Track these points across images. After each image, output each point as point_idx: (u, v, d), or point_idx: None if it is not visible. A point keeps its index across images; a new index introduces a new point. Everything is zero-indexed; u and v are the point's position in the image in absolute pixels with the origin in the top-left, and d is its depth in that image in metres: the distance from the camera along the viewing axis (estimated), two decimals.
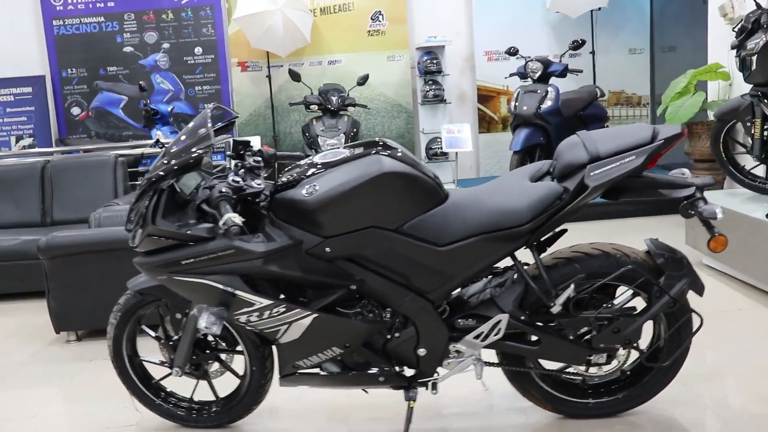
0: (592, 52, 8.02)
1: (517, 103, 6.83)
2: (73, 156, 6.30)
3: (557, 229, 2.72)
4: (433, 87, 8.02)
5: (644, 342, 2.77)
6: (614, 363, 2.70)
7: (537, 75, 6.85)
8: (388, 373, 2.65)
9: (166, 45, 8.20)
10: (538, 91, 6.74)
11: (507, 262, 2.60)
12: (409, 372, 2.69)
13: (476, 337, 2.58)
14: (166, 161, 2.56)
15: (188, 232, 2.50)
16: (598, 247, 2.61)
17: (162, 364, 2.95)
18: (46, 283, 4.17)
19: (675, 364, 2.70)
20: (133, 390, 3.03)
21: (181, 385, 3.02)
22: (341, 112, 6.97)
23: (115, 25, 8.15)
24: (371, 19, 8.19)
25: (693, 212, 2.42)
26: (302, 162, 2.65)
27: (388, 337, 2.62)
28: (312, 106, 6.98)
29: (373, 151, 2.51)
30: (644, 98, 8.21)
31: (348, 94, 7.13)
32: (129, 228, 2.61)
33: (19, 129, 8.12)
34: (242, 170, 2.60)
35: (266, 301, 2.49)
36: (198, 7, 8.14)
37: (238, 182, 2.49)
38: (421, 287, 2.53)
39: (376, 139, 2.62)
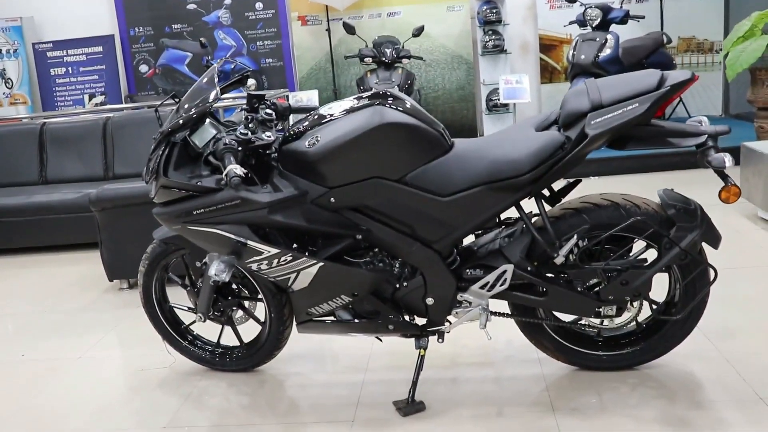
0: None
1: (575, 52, 6.68)
2: (132, 112, 6.50)
3: (571, 180, 2.70)
4: (493, 37, 7.89)
5: (662, 295, 2.73)
6: (626, 315, 2.66)
7: (596, 22, 6.67)
8: (397, 321, 2.69)
9: (228, 1, 8.30)
10: (597, 39, 6.56)
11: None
12: (420, 321, 2.73)
13: (483, 287, 2.59)
14: (176, 116, 2.65)
15: (198, 183, 2.58)
16: (608, 198, 2.56)
17: (190, 310, 3.08)
18: (99, 234, 4.38)
19: (690, 318, 2.64)
20: (163, 334, 3.19)
21: (210, 330, 3.16)
22: (396, 65, 6.94)
23: None
24: None
25: (704, 161, 2.34)
26: (310, 114, 2.68)
27: (397, 286, 2.65)
28: (366, 59, 6.97)
29: (376, 103, 2.51)
30: (717, 44, 7.82)
31: (403, 47, 7.08)
32: (146, 180, 2.71)
33: (91, 87, 8.43)
34: (252, 123, 2.65)
35: (274, 250, 2.56)
36: None
37: (246, 134, 2.55)
38: (426, 237, 2.54)
39: (381, 90, 2.62)
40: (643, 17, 6.90)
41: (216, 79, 2.68)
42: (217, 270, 2.58)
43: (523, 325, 2.76)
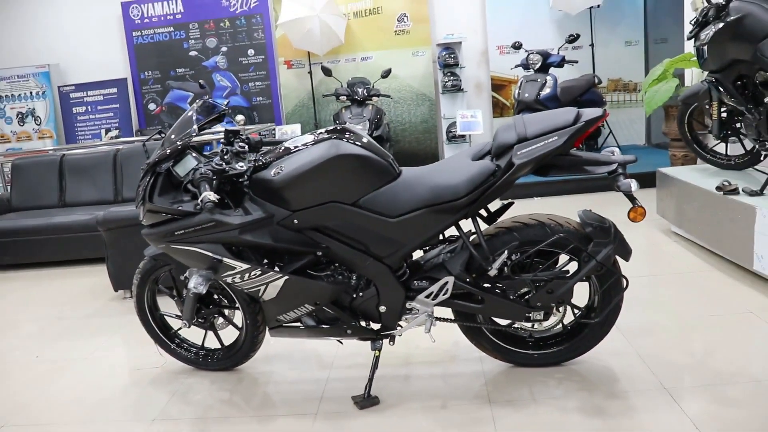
0: (592, 45, 7.73)
1: (519, 91, 6.68)
2: (138, 144, 6.41)
3: (505, 202, 2.67)
4: (452, 78, 7.90)
5: (583, 301, 2.71)
6: (553, 319, 2.63)
7: (537, 66, 6.69)
8: (354, 326, 2.65)
9: (224, 48, 8.26)
10: (538, 80, 6.58)
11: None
12: (375, 326, 2.69)
13: (428, 296, 2.55)
14: (162, 149, 2.61)
15: (179, 207, 2.53)
16: (536, 218, 2.53)
17: (177, 317, 3.02)
18: (105, 251, 4.30)
19: (607, 321, 2.62)
20: (155, 338, 3.12)
21: (195, 334, 3.10)
22: (367, 102, 6.92)
23: (182, 34, 8.25)
24: (398, 20, 8.07)
25: (615, 186, 2.33)
26: (278, 146, 2.65)
27: (354, 296, 2.61)
28: (341, 97, 6.95)
29: (333, 137, 2.48)
30: (640, 84, 7.87)
31: (373, 86, 7.08)
32: (136, 205, 2.66)
33: (107, 123, 8.34)
34: (227, 155, 2.61)
35: (245, 266, 2.51)
36: (250, 15, 8.16)
37: (221, 165, 2.51)
38: (378, 253, 2.51)
39: (338, 126, 2.59)
40: (577, 62, 6.95)
41: (193, 118, 2.64)
42: (195, 283, 2.53)
43: (464, 328, 2.72)
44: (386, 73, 7.12)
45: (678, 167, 4.68)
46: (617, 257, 2.53)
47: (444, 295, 2.53)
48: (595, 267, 2.44)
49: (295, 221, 2.48)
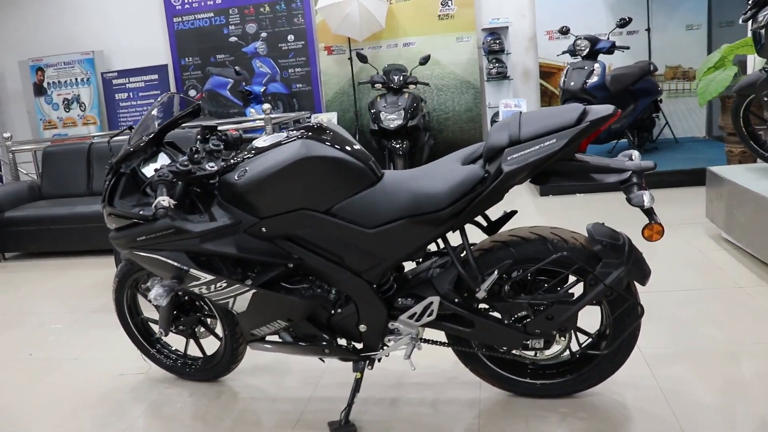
0: (648, 29, 7.12)
1: (565, 79, 6.21)
2: (177, 131, 6.27)
3: (508, 211, 2.32)
4: (497, 65, 7.46)
5: (596, 325, 2.35)
6: (556, 347, 2.27)
7: (585, 52, 6.19)
8: (332, 346, 2.36)
9: (264, 34, 8.05)
10: (585, 68, 6.08)
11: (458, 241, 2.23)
12: (359, 345, 2.40)
13: (411, 317, 2.23)
14: (126, 147, 2.38)
15: (141, 212, 2.30)
16: (537, 232, 2.17)
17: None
18: None
19: (621, 352, 2.24)
20: (135, 343, 2.92)
21: (180, 341, 2.89)
22: (403, 90, 6.58)
23: (222, 19, 8.08)
24: (441, 4, 7.65)
25: (626, 198, 1.95)
26: (248, 146, 2.37)
27: (332, 312, 2.32)
28: (377, 85, 6.63)
29: (304, 136, 2.18)
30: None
31: (411, 74, 6.72)
32: (101, 207, 2.45)
33: (149, 108, 8.27)
34: (197, 154, 2.35)
35: (209, 276, 2.26)
36: (290, 0, 7.91)
37: (186, 165, 2.26)
38: (355, 267, 2.21)
39: (312, 122, 2.29)
40: (628, 48, 6.40)
41: (154, 114, 2.40)
42: (156, 294, 2.30)
43: (459, 352, 2.39)
44: (425, 60, 6.75)
45: (732, 166, 4.16)
46: (632, 281, 2.14)
47: (429, 316, 2.21)
48: (604, 291, 2.07)
49: (263, 229, 2.21)
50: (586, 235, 2.16)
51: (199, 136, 2.49)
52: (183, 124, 2.56)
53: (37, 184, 6.00)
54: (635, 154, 2.07)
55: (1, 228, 5.44)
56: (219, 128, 2.53)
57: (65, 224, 5.31)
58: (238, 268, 2.29)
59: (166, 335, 2.72)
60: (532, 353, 2.32)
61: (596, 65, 6.04)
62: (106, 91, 8.37)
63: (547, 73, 7.68)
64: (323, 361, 2.52)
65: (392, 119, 6.30)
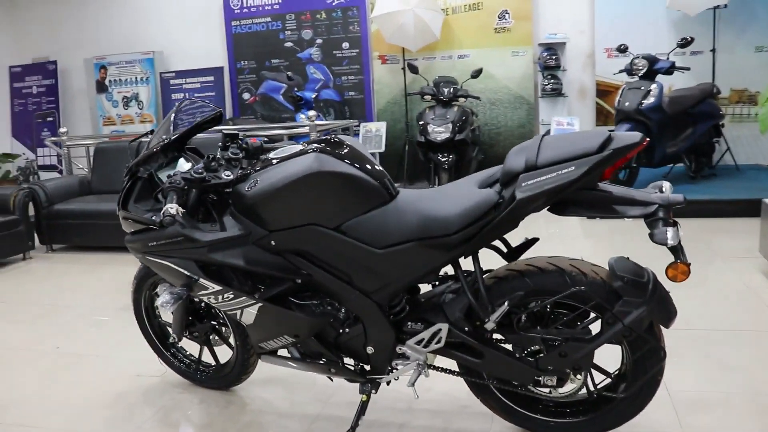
0: (713, 50, 6.81)
1: (620, 99, 5.99)
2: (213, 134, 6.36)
3: (529, 238, 2.20)
4: (552, 81, 7.30)
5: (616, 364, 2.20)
6: (571, 386, 2.14)
7: (642, 72, 5.95)
8: (338, 366, 2.29)
9: (319, 40, 8.09)
10: (642, 88, 5.86)
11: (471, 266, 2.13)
12: (368, 367, 2.32)
13: (418, 343, 2.15)
14: (144, 153, 2.38)
15: (154, 217, 2.29)
16: (555, 263, 2.05)
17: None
18: None
19: (641, 396, 2.09)
20: (151, 345, 2.93)
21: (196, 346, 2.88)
22: (453, 103, 6.48)
23: (278, 24, 8.17)
24: (498, 17, 7.53)
25: (649, 234, 1.82)
26: (263, 156, 2.33)
27: (340, 331, 2.26)
28: (426, 97, 6.56)
29: (318, 149, 2.12)
30: None
31: (461, 86, 6.61)
32: (117, 210, 2.45)
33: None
34: (213, 161, 2.33)
35: (217, 287, 2.23)
36: (346, 8, 7.94)
37: (201, 173, 2.23)
38: (364, 288, 2.13)
39: (332, 137, 2.23)
40: (689, 69, 6.13)
41: (171, 120, 2.40)
42: (163, 301, 2.28)
43: (469, 382, 2.29)
44: (476, 73, 6.65)
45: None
46: (655, 322, 2.00)
47: (437, 343, 2.12)
48: (622, 332, 1.93)
49: (272, 242, 2.16)
50: (608, 269, 2.02)
51: (219, 144, 2.47)
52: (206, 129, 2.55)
53: (88, 179, 6.17)
54: (666, 185, 1.93)
55: (49, 220, 5.61)
56: (240, 136, 2.51)
57: (110, 220, 5.38)
58: (247, 280, 2.26)
59: (180, 341, 2.71)
60: (546, 390, 2.19)
61: (653, 86, 5.81)
62: (163, 91, 8.57)
63: (604, 91, 7.44)
64: (332, 379, 2.45)
65: (439, 132, 6.22)
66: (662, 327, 1.99)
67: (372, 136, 7.03)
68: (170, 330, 2.91)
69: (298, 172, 2.06)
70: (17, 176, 8.99)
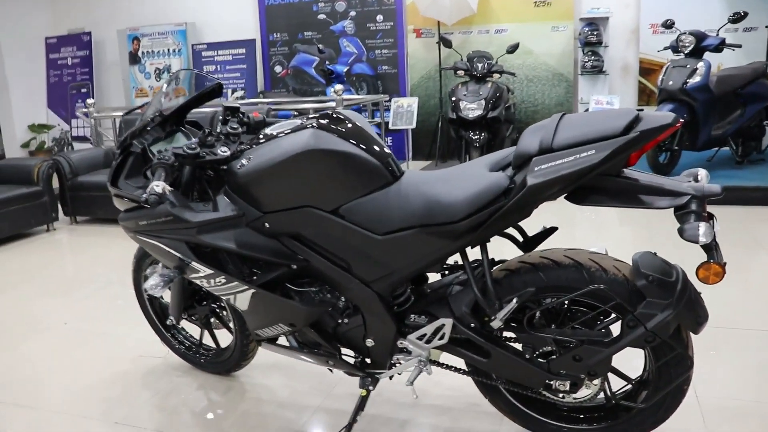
0: None
1: (663, 77, 5.65)
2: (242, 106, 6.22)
3: (547, 226, 2.00)
4: (592, 58, 6.96)
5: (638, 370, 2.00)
6: (587, 391, 1.94)
7: (689, 49, 5.59)
8: (335, 358, 2.14)
9: (352, 13, 7.87)
10: (687, 66, 5.51)
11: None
12: (369, 360, 2.16)
13: (420, 338, 1.97)
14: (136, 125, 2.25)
15: (143, 195, 2.15)
16: (572, 256, 1.84)
17: None
18: None
19: (663, 407, 1.88)
20: (152, 326, 2.82)
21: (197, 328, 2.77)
22: (487, 79, 6.22)
23: None
24: None
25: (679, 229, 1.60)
26: (259, 132, 2.17)
27: (339, 321, 2.10)
28: (459, 72, 6.30)
29: (317, 125, 1.95)
30: None
31: (496, 62, 6.34)
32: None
33: (234, 83, 8.32)
34: (210, 136, 2.18)
35: (208, 270, 2.09)
36: None
37: (194, 148, 2.08)
38: (363, 276, 1.96)
39: (334, 111, 2.04)
40: (740, 46, 5.73)
41: (163, 90, 2.25)
42: (151, 285, 2.15)
43: (477, 382, 2.11)
44: (513, 48, 6.36)
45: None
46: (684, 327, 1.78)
47: (440, 339, 1.95)
48: (644, 336, 1.72)
49: (266, 225, 2.00)
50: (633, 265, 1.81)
51: (220, 117, 2.32)
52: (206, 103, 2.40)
53: (113, 151, 6.12)
54: (702, 173, 1.70)
55: (74, 192, 5.58)
56: (242, 110, 2.35)
57: None
58: (242, 264, 2.11)
59: (177, 323, 2.60)
60: (559, 395, 2.00)
61: (700, 64, 5.45)
62: (195, 63, 8.47)
63: (647, 69, 7.08)
64: (331, 371, 2.30)
65: (471, 109, 5.98)
66: (691, 333, 1.78)
67: (403, 112, 6.82)
68: None
69: (293, 149, 1.89)
70: (52, 147, 9.05)
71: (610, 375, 1.91)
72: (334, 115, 2.00)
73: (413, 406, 2.40)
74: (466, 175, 1.84)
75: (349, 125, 1.96)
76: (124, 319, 3.43)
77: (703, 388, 2.39)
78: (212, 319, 2.64)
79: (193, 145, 2.09)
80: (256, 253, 2.03)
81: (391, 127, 6.82)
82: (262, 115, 2.37)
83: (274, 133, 2.02)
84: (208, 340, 2.76)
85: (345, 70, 7.29)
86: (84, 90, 8.88)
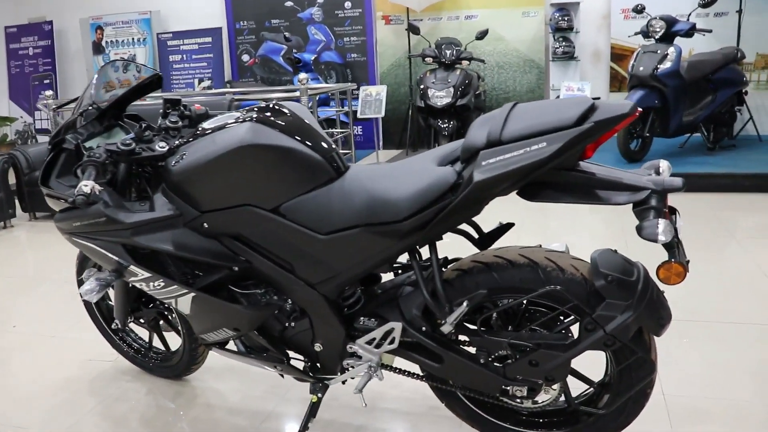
0: (739, 11, 6.34)
1: (634, 63, 5.57)
2: (219, 98, 6.02)
3: (504, 222, 1.89)
4: (563, 44, 6.88)
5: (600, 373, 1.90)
6: (546, 396, 1.84)
7: (659, 34, 5.52)
8: (282, 363, 2.02)
9: (320, 0, 7.69)
10: (658, 51, 5.44)
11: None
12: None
13: (369, 342, 1.86)
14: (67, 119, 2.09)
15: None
16: (528, 255, 1.73)
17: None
18: None
19: (625, 412, 1.79)
20: (100, 330, 2.68)
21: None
22: (455, 66, 6.10)
23: None
24: None
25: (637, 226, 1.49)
26: (196, 127, 2.03)
27: (286, 325, 1.98)
28: (428, 59, 6.18)
29: (255, 118, 1.81)
30: None
31: (465, 48, 6.22)
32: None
33: (200, 73, 8.11)
34: (147, 131, 2.04)
35: (146, 273, 1.95)
36: None
37: (129, 144, 1.94)
38: (307, 278, 1.84)
39: (269, 103, 1.91)
40: (710, 31, 5.68)
41: (93, 83, 2.11)
42: (86, 290, 2.02)
43: (433, 387, 2.00)
44: (482, 35, 6.25)
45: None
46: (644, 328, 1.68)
47: (391, 344, 1.83)
48: (603, 340, 1.62)
49: (205, 225, 1.87)
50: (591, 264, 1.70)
51: (160, 111, 2.18)
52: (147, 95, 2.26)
53: None
54: (664, 165, 1.60)
55: (31, 187, 5.38)
56: (183, 102, 2.21)
57: None
58: (183, 266, 1.98)
59: (123, 327, 2.45)
60: (517, 400, 1.90)
61: (671, 49, 5.39)
62: (160, 53, 8.25)
63: (619, 55, 7.01)
64: (282, 376, 2.18)
65: (440, 96, 5.86)
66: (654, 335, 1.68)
67: (372, 100, 6.68)
68: None
69: (228, 145, 1.76)
70: (15, 140, 8.77)
71: (571, 377, 1.82)
72: (274, 108, 1.87)
73: (369, 410, 2.29)
74: (412, 170, 1.72)
75: (290, 118, 1.83)
76: (77, 321, 3.27)
77: (669, 385, 2.31)
78: (161, 322, 2.51)
79: (128, 141, 1.96)
80: (194, 255, 1.90)
81: (359, 116, 6.68)
82: (205, 108, 2.23)
83: (211, 128, 1.88)
84: (159, 344, 2.63)
85: (313, 58, 7.13)
86: (47, 81, 8.61)
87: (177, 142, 2.02)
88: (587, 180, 1.55)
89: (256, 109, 1.87)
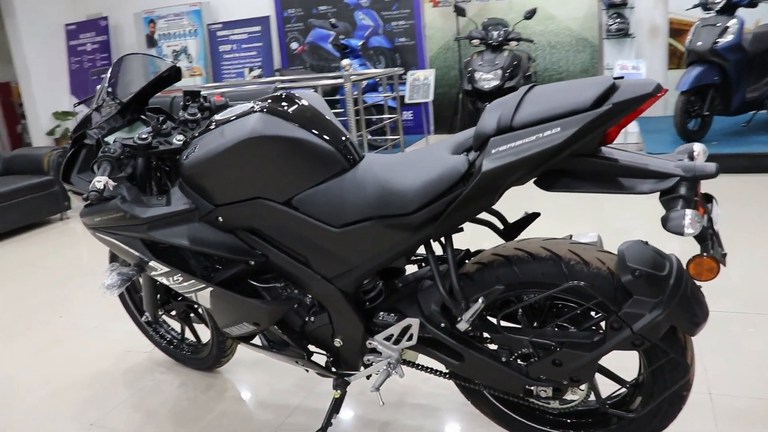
0: None
1: (692, 38, 5.25)
2: (249, 89, 6.05)
3: (529, 212, 1.78)
4: (617, 20, 6.55)
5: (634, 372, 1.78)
6: (573, 396, 1.73)
7: (720, 5, 5.18)
8: (303, 358, 1.97)
9: None
10: (718, 24, 5.10)
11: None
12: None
13: (388, 338, 1.79)
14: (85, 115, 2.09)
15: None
16: (551, 248, 1.61)
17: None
18: None
19: (659, 415, 1.66)
20: (135, 321, 2.71)
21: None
22: (503, 47, 5.90)
23: None
24: None
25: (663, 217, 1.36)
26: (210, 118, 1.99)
27: (306, 320, 1.93)
28: (475, 41, 6.01)
29: (265, 108, 1.75)
30: None
31: (513, 29, 6.01)
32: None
33: (251, 62, 8.15)
34: (165, 124, 2.02)
35: (165, 268, 1.93)
36: None
37: (145, 138, 1.93)
38: (323, 272, 1.78)
39: (282, 92, 1.85)
40: None
41: (106, 78, 2.09)
42: (108, 284, 2.01)
43: (459, 384, 1.91)
44: (530, 14, 6.02)
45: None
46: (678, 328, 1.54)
47: (408, 340, 1.76)
48: (631, 339, 1.50)
49: (220, 218, 1.84)
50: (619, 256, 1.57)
51: (181, 104, 2.15)
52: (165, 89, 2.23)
53: None
54: (698, 149, 1.46)
55: None
56: (202, 94, 2.18)
57: None
58: (201, 260, 1.95)
59: (154, 320, 2.47)
60: (543, 401, 1.79)
61: (732, 21, 5.05)
62: (211, 43, 8.33)
63: (678, 30, 6.65)
64: (307, 371, 2.14)
65: (487, 79, 5.70)
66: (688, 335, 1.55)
67: (420, 85, 6.56)
68: None
69: (237, 137, 1.70)
70: None
71: (601, 377, 1.70)
72: (286, 97, 1.80)
73: (397, 407, 2.22)
74: (425, 159, 1.63)
75: (301, 108, 1.76)
76: (113, 312, 3.32)
77: (717, 384, 2.15)
78: (191, 315, 2.50)
79: (144, 135, 1.94)
80: (211, 249, 1.86)
81: (407, 101, 6.57)
82: (225, 98, 2.19)
83: (221, 119, 1.83)
84: (192, 336, 2.63)
85: (361, 43, 7.03)
86: (104, 75, 8.82)
87: (193, 135, 1.99)
88: (609, 167, 1.42)
89: (267, 98, 1.82)
